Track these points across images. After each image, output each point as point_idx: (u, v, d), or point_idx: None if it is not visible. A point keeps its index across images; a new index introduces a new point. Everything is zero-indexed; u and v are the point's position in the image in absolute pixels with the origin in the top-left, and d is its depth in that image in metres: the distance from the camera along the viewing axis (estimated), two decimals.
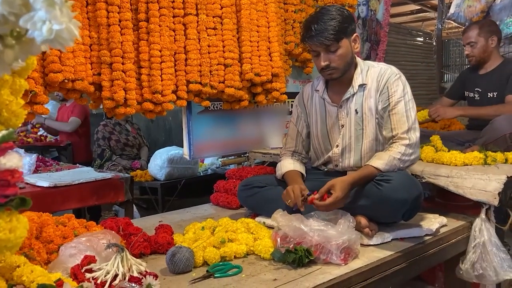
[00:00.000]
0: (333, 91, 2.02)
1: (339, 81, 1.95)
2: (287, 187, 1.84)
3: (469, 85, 3.03)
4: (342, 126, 1.99)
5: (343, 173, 2.02)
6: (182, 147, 4.06)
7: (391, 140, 1.85)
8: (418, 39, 5.01)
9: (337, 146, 2.01)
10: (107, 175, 2.67)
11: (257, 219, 2.02)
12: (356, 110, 1.94)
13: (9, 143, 0.68)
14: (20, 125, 0.73)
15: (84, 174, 2.75)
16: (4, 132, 0.67)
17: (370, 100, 1.91)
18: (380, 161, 1.77)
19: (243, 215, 2.20)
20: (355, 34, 1.89)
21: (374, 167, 1.76)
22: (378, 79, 1.91)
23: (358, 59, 1.98)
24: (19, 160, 0.68)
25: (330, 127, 2.03)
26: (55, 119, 4.66)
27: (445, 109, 2.80)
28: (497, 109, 2.62)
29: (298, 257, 1.46)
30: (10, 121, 0.70)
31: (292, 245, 1.50)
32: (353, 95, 1.94)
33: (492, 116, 2.57)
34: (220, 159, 4.25)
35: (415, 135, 1.84)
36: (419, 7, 6.65)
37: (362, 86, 1.94)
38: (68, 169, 3.06)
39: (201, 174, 4.31)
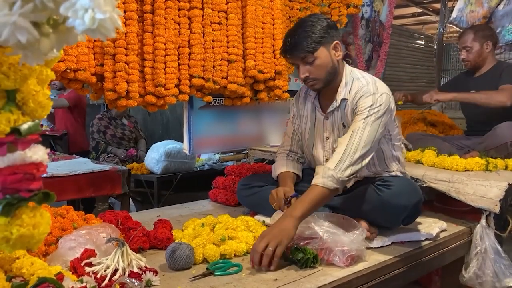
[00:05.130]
0: (322, 100, 1.97)
1: (326, 91, 1.89)
2: (272, 191, 1.83)
3: (463, 89, 3.04)
4: (327, 138, 1.94)
5: None
6: (179, 141, 4.07)
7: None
8: (419, 42, 5.01)
9: (327, 160, 1.95)
10: (105, 167, 2.65)
11: (256, 217, 2.00)
12: (343, 124, 1.88)
13: (34, 135, 0.65)
14: (45, 116, 0.71)
15: (81, 165, 2.73)
16: (30, 123, 0.65)
17: (351, 116, 1.83)
18: (317, 176, 1.64)
19: (241, 212, 2.19)
20: (335, 42, 1.79)
21: (315, 184, 1.62)
22: (354, 96, 1.81)
23: (346, 69, 1.87)
24: (44, 153, 0.66)
25: (317, 136, 1.98)
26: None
27: (439, 93, 2.82)
28: (489, 95, 2.64)
29: (305, 258, 1.45)
30: (36, 112, 0.67)
31: (302, 244, 1.49)
32: (337, 108, 1.87)
33: (483, 102, 2.62)
34: (219, 155, 4.23)
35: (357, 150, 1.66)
36: (421, 10, 6.64)
37: (344, 100, 1.85)
38: (65, 160, 3.03)
39: (198, 169, 4.29)
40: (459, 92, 2.80)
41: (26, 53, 0.56)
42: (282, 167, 2.04)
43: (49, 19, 0.55)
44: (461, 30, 4.42)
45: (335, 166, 1.63)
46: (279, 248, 1.44)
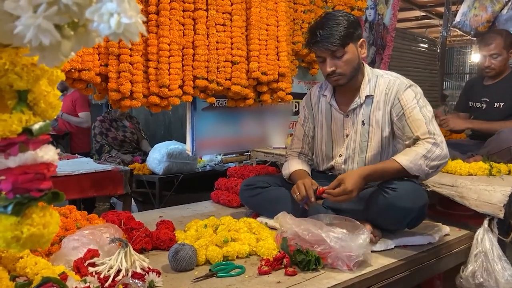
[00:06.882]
0: (341, 98, 1.98)
1: (346, 89, 1.91)
2: (297, 181, 1.80)
3: (474, 96, 3.00)
4: (347, 135, 1.95)
5: None
6: (181, 141, 4.07)
7: (416, 143, 1.76)
8: (423, 45, 5.00)
9: (340, 156, 1.98)
10: (107, 167, 2.65)
11: (259, 219, 2.00)
12: (363, 121, 1.89)
13: (45, 135, 0.66)
14: (55, 117, 0.71)
15: (83, 165, 2.72)
16: (41, 123, 0.65)
17: (378, 113, 1.86)
18: (405, 157, 1.67)
19: (244, 214, 2.19)
20: (361, 40, 1.84)
21: (397, 162, 1.67)
22: (387, 92, 1.85)
23: (366, 67, 1.93)
24: (55, 153, 0.66)
25: (335, 135, 2.00)
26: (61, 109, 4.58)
27: (455, 120, 2.73)
28: (505, 125, 2.55)
29: (307, 260, 1.45)
30: (47, 112, 0.68)
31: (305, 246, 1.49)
32: (360, 105, 1.90)
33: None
34: (221, 156, 4.23)
35: (440, 138, 1.72)
36: (424, 14, 6.64)
37: (369, 97, 1.88)
38: (67, 159, 3.03)
39: (199, 170, 4.29)
40: (474, 122, 2.78)
41: (44, 55, 0.56)
42: (297, 165, 2.03)
43: (70, 21, 0.56)
44: (465, 34, 4.44)
45: (425, 153, 1.68)
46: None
